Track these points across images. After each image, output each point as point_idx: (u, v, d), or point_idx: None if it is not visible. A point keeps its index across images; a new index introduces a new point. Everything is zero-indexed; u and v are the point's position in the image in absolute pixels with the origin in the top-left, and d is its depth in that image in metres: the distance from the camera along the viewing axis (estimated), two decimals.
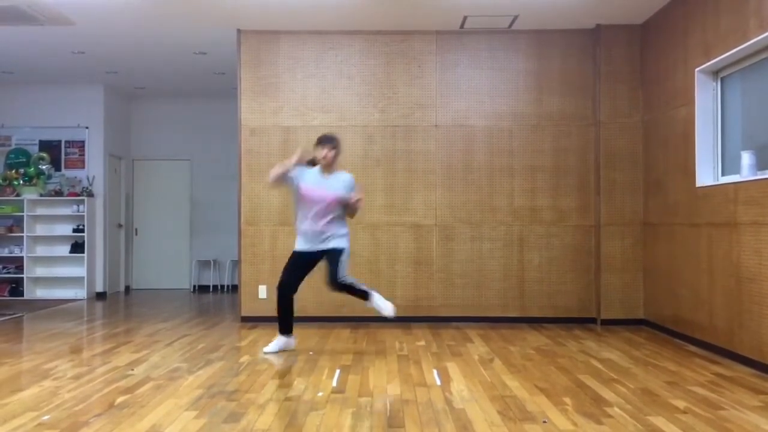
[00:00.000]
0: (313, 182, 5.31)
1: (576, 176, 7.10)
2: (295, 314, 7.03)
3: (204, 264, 10.86)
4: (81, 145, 9.94)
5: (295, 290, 5.44)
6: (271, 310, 7.10)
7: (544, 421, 3.54)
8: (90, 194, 9.73)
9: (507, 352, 5.51)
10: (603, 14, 6.68)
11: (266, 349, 5.50)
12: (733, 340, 5.10)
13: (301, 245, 5.39)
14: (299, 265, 5.42)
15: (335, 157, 5.37)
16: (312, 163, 5.39)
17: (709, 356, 5.29)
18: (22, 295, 9.54)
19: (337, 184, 5.32)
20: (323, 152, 5.32)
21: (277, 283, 5.47)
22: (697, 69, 5.69)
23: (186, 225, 10.93)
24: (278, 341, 5.51)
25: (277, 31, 7.17)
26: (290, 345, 5.57)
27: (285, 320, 5.50)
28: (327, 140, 5.38)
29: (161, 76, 9.38)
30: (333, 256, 5.28)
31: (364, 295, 5.38)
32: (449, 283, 7.10)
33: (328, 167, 5.35)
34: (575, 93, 7.12)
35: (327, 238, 5.30)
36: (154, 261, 10.94)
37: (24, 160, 9.86)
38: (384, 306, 5.39)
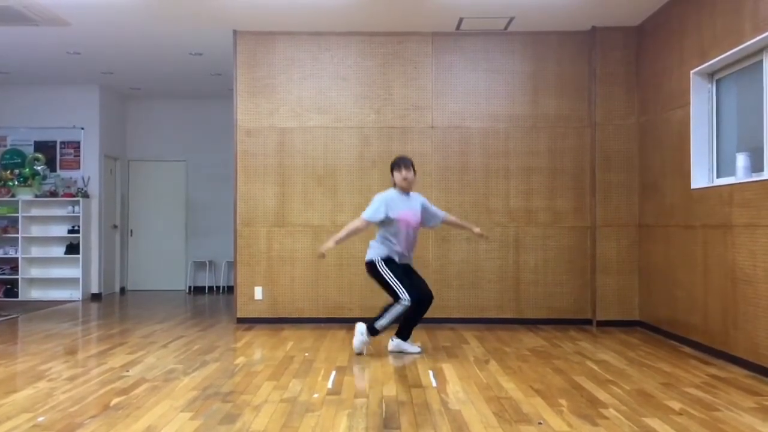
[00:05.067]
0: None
1: (572, 178, 7.11)
2: (291, 316, 7.09)
3: (199, 265, 10.84)
4: (76, 145, 9.91)
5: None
6: (267, 311, 7.14)
7: (540, 423, 3.54)
8: (85, 195, 9.71)
9: (502, 353, 5.52)
10: (598, 16, 6.69)
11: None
12: (728, 342, 5.12)
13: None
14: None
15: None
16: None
17: (704, 357, 5.31)
18: (17, 296, 9.52)
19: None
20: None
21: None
22: (692, 71, 5.70)
23: (181, 226, 10.91)
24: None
25: (273, 32, 7.16)
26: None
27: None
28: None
29: (157, 77, 9.37)
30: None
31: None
32: (445, 285, 7.09)
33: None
34: (571, 95, 7.13)
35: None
36: (150, 262, 10.92)
37: (19, 160, 9.83)
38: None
